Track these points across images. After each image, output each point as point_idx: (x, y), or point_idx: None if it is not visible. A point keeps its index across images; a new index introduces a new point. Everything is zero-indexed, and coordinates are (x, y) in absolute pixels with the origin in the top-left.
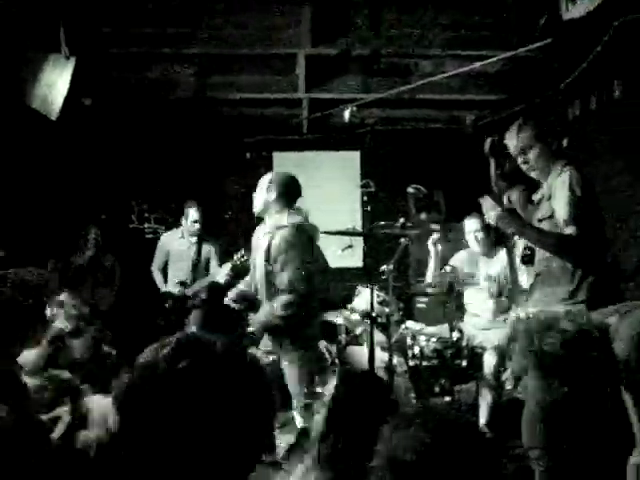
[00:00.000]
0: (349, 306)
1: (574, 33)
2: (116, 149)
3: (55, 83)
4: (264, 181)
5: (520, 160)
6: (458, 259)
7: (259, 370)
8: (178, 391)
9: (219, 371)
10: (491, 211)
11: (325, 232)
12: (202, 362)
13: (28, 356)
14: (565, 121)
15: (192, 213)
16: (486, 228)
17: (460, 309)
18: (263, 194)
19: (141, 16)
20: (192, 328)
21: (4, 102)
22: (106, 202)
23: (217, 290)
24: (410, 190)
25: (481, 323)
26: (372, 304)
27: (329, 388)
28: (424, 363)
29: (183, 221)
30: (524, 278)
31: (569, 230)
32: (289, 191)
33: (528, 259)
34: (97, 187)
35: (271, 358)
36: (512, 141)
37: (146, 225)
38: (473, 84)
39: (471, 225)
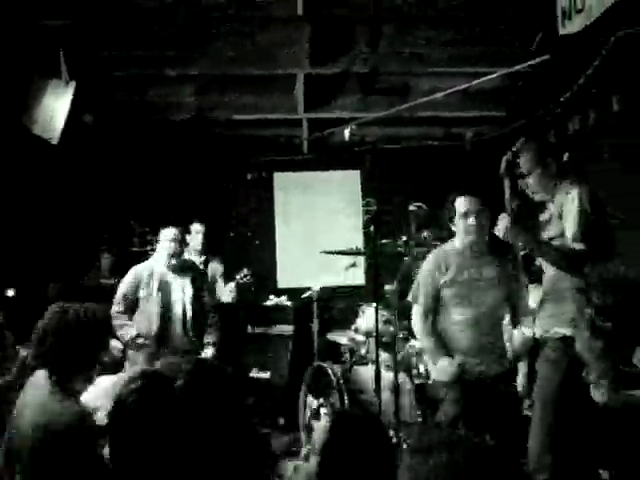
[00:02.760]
0: (353, 326)
1: (571, 48)
2: (117, 171)
3: (55, 108)
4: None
5: (522, 185)
6: None
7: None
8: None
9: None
10: (502, 224)
11: (327, 252)
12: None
13: None
14: (565, 136)
15: (196, 226)
16: None
17: None
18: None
19: (141, 39)
20: None
21: (6, 127)
22: (107, 224)
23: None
24: (411, 208)
25: None
26: (377, 324)
27: (320, 428)
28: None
29: (188, 238)
30: (531, 297)
31: (578, 246)
32: None
33: (536, 277)
34: (98, 209)
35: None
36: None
37: (148, 248)
38: (471, 101)
39: None
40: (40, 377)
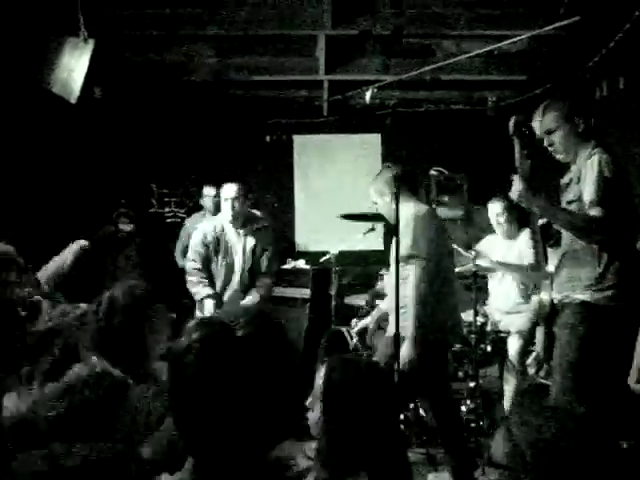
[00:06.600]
0: (371, 290)
1: (600, 10)
2: (135, 133)
3: (74, 67)
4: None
5: (546, 142)
6: (484, 244)
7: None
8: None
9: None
10: (516, 188)
11: (345, 216)
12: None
13: None
14: (592, 102)
15: (208, 190)
16: (508, 210)
17: (484, 293)
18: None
19: None
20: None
21: (24, 87)
22: (126, 186)
23: None
24: (432, 173)
25: (506, 307)
26: (397, 287)
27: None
28: None
29: (202, 201)
30: (550, 261)
31: (594, 212)
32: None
33: (554, 241)
34: (117, 171)
35: None
36: (538, 122)
37: (166, 209)
38: (495, 64)
39: (493, 208)
40: None
